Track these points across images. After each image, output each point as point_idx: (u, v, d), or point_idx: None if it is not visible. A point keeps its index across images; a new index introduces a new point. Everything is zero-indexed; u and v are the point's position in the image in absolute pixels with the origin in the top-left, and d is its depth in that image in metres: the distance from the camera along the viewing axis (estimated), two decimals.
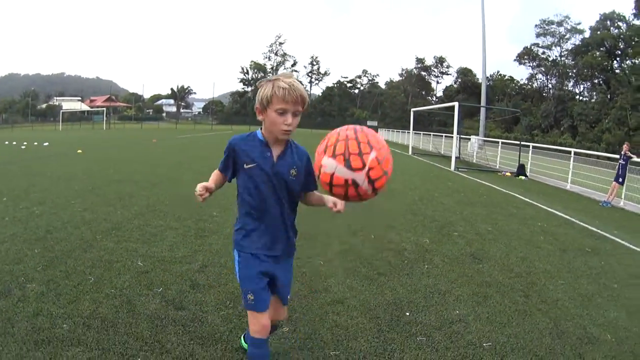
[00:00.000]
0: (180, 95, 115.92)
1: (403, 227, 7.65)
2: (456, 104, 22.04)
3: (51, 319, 3.86)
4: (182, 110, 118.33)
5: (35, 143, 30.01)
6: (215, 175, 2.60)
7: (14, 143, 30.67)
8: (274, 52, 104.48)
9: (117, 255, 5.68)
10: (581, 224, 9.28)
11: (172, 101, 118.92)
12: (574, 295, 4.94)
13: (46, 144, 28.66)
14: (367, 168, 2.01)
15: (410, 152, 29.45)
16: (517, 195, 12.69)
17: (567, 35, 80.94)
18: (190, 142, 32.12)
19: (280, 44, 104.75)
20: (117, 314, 4.00)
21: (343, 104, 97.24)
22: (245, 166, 2.47)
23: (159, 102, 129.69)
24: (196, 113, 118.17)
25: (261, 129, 2.51)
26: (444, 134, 34.75)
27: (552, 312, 4.41)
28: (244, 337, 3.34)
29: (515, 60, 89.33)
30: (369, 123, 73.53)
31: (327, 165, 2.05)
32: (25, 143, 30.60)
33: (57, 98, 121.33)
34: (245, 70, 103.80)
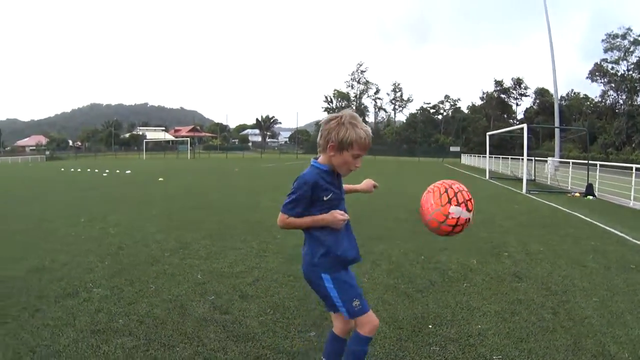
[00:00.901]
0: (265, 125, 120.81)
1: (455, 248, 7.86)
2: (524, 126, 22.38)
3: (109, 315, 4.64)
4: (268, 140, 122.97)
5: (117, 171, 32.69)
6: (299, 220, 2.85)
7: (96, 170, 33.64)
8: (357, 80, 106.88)
9: (180, 269, 6.46)
10: (635, 241, 9.02)
11: (257, 131, 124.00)
12: (603, 313, 4.97)
13: (128, 171, 31.05)
14: (471, 210, 2.96)
15: (487, 177, 29.10)
16: (579, 215, 12.41)
17: (632, 48, 78.32)
18: (271, 171, 33.54)
19: (362, 72, 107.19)
20: (169, 315, 4.69)
21: (427, 130, 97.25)
22: (324, 198, 2.84)
23: (245, 131, 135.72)
24: (282, 142, 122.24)
25: (317, 158, 2.93)
26: (520, 157, 33.97)
27: (576, 329, 4.51)
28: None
29: (587, 77, 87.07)
30: (452, 149, 72.65)
31: (455, 212, 2.88)
32: (107, 171, 33.48)
33: (141, 128, 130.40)
34: (329, 99, 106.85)
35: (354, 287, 2.89)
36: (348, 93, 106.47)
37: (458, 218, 2.87)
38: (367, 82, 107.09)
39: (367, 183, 3.25)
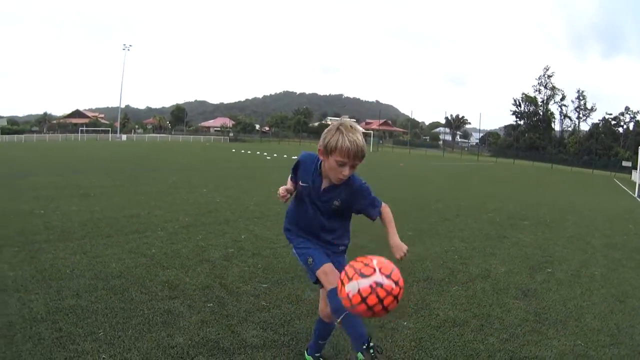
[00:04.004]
0: (455, 124, 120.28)
1: (508, 261, 7.19)
2: None
3: (164, 248, 6.54)
4: (458, 140, 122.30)
5: (285, 156, 35.97)
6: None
7: (265, 154, 37.28)
8: (543, 84, 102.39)
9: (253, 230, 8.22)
10: None
11: (448, 130, 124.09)
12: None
13: (295, 157, 34.15)
14: (377, 268, 2.54)
15: (636, 193, 26.25)
16: None
17: None
18: (431, 171, 34.00)
19: (549, 76, 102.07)
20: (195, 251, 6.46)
21: (607, 143, 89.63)
22: (300, 182, 3.15)
23: (437, 129, 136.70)
24: (473, 144, 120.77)
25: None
26: None
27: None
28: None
29: None
30: (624, 164, 66.05)
31: (350, 289, 2.52)
32: (274, 155, 37.05)
33: (331, 118, 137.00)
34: (517, 103, 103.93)
35: (309, 248, 3.16)
36: (535, 97, 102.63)
37: (359, 291, 2.50)
38: (553, 88, 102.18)
39: (397, 247, 2.95)
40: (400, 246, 2.92)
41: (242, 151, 43.68)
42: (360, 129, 2.90)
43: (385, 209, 3.07)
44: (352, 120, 2.95)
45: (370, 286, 2.48)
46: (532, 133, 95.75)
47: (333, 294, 2.86)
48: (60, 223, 7.92)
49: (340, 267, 2.99)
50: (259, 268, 5.83)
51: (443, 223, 9.89)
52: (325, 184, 3.04)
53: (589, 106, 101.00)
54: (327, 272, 3.01)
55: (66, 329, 3.74)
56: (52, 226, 7.65)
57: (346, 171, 2.86)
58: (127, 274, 5.33)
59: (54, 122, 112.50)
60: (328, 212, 3.11)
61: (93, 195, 11.25)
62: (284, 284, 5.27)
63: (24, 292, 4.57)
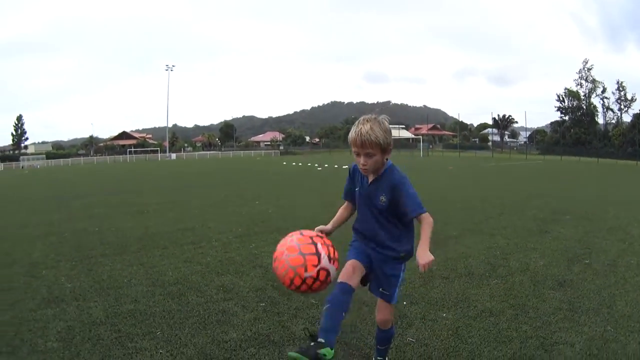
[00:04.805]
0: (502, 124, 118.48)
1: (548, 255, 7.04)
2: None
3: (218, 256, 6.73)
4: (507, 140, 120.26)
5: (335, 166, 36.17)
6: None
7: (316, 165, 37.58)
8: (584, 78, 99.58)
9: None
10: None
11: (496, 130, 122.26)
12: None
13: (345, 166, 34.17)
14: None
15: None
16: None
17: None
18: (479, 172, 33.48)
19: (589, 69, 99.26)
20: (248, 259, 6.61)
21: None
22: (356, 189, 3.32)
23: (485, 130, 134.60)
24: (521, 143, 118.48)
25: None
26: None
27: None
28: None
29: None
30: None
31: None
32: (325, 165, 37.30)
33: None
34: (560, 98, 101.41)
35: (353, 248, 3.31)
36: (577, 92, 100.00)
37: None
38: (594, 81, 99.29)
39: (420, 257, 2.89)
40: (422, 256, 2.84)
41: (293, 163, 44.08)
42: (383, 120, 3.05)
43: (427, 217, 3.00)
44: (375, 115, 3.10)
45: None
46: (578, 128, 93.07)
47: (338, 285, 3.02)
48: (115, 238, 8.28)
49: (383, 275, 3.16)
50: None
51: (487, 221, 9.88)
52: (370, 179, 3.14)
53: (629, 97, 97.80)
54: (346, 265, 3.11)
55: (125, 330, 3.96)
56: (108, 241, 8.00)
57: (361, 160, 3.01)
58: (184, 280, 5.55)
59: (101, 144, 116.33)
60: (380, 213, 3.13)
61: (147, 212, 11.67)
62: (334, 283, 5.33)
63: (82, 300, 4.83)
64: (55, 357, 3.54)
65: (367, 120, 3.00)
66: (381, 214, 3.14)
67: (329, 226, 3.33)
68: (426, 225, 2.99)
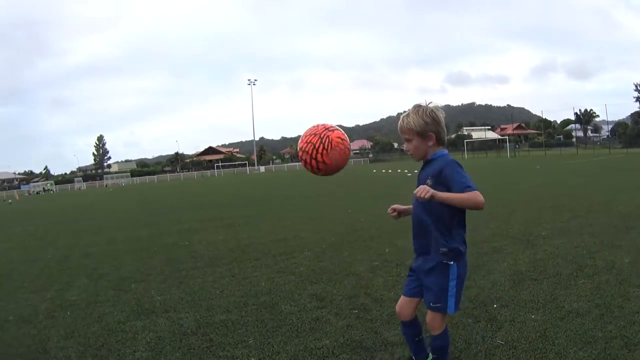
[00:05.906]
0: (585, 119, 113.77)
1: (633, 252, 7.19)
2: None
3: (311, 266, 6.72)
4: (590, 135, 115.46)
5: (399, 170, 35.71)
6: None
7: (406, 171, 37.31)
8: None
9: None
10: None
11: (579, 126, 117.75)
12: None
13: (409, 174, 33.58)
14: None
15: None
16: None
17: None
18: (565, 170, 31.81)
19: None
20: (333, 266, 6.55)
21: None
22: None
23: (569, 127, 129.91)
24: (604, 137, 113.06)
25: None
26: None
27: None
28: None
29: None
30: None
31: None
32: (415, 171, 36.68)
33: (467, 128, 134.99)
34: (638, 88, 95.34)
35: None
36: None
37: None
38: None
39: (423, 188, 2.93)
40: (424, 187, 2.89)
41: (383, 171, 44.03)
42: (426, 109, 3.12)
43: (473, 192, 2.86)
44: (423, 102, 3.20)
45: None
46: None
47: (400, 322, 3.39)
48: (206, 252, 8.51)
49: (430, 291, 3.13)
50: (403, 277, 5.76)
51: (574, 220, 9.51)
52: (421, 167, 3.30)
53: None
54: (399, 301, 3.36)
55: (216, 340, 4.02)
56: (199, 255, 8.23)
57: (405, 146, 3.28)
58: (276, 290, 5.60)
59: (187, 160, 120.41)
60: (426, 202, 2.98)
61: (238, 225, 11.94)
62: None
63: (172, 312, 4.97)
64: None
65: (413, 108, 3.21)
66: (426, 204, 3.05)
67: (404, 207, 3.53)
68: (466, 194, 2.87)
